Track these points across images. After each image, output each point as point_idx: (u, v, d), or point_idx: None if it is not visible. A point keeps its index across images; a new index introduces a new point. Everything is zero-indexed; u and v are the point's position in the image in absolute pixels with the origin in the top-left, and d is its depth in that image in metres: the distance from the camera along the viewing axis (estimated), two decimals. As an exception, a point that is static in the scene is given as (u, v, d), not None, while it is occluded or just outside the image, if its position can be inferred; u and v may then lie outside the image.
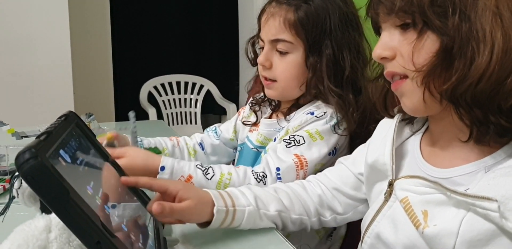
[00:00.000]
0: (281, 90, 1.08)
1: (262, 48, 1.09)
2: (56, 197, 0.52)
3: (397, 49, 0.68)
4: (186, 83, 3.55)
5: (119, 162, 0.83)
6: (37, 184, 0.51)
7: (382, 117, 0.86)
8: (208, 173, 0.98)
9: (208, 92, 3.57)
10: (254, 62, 1.17)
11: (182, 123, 3.54)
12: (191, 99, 3.55)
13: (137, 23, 3.55)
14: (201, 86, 3.55)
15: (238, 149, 1.23)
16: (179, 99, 3.54)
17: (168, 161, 0.97)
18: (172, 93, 3.52)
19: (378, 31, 0.74)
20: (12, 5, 2.44)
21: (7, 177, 1.09)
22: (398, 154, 0.77)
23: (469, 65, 0.61)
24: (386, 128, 0.83)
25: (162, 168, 0.96)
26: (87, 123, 1.01)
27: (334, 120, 1.02)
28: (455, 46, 0.62)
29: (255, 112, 1.19)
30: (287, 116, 1.09)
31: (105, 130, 1.01)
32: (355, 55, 1.04)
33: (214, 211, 0.79)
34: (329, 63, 1.02)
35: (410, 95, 0.69)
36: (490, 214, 0.58)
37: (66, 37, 2.55)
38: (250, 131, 1.19)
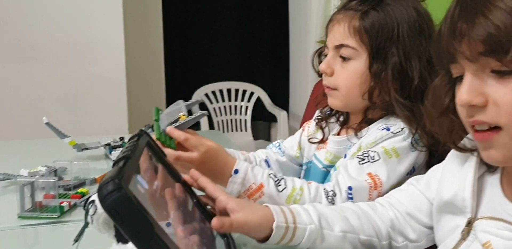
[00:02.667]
0: (342, 99, 1.02)
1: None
2: (140, 232, 0.49)
3: (489, 96, 0.60)
4: (237, 91, 3.53)
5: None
6: (121, 218, 0.48)
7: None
8: (280, 185, 0.94)
9: (259, 100, 3.54)
10: (320, 73, 1.12)
11: (232, 130, 3.52)
12: (241, 106, 3.54)
13: (189, 31, 3.57)
14: (252, 94, 3.53)
15: (304, 167, 1.18)
16: (230, 106, 3.53)
17: (243, 165, 0.94)
18: (223, 100, 3.51)
19: (445, 65, 0.66)
20: (66, 13, 2.48)
21: (71, 192, 1.08)
22: (478, 187, 0.71)
23: None
24: (462, 158, 0.75)
25: (236, 171, 0.93)
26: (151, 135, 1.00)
27: (413, 137, 0.96)
28: None
29: (321, 128, 1.14)
30: (358, 133, 1.03)
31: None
32: (426, 66, 0.97)
33: (273, 226, 0.76)
34: (394, 72, 0.96)
35: (503, 148, 0.61)
36: None
37: (120, 46, 2.58)
38: (317, 148, 1.14)
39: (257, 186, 0.93)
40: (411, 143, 0.96)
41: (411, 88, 0.96)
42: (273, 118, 3.54)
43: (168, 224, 0.62)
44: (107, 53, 2.59)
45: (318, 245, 0.80)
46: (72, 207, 1.02)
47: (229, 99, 3.54)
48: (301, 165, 1.20)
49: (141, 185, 0.59)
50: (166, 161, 0.78)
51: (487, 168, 0.73)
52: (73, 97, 2.52)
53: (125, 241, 0.61)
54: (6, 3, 2.41)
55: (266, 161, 1.18)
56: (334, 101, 1.04)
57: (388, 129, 0.97)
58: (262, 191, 0.93)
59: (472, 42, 0.58)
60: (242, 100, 3.54)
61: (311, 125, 1.20)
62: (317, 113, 1.19)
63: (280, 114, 3.42)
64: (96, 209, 0.63)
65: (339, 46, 1.00)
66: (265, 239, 0.77)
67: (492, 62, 0.58)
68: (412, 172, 0.97)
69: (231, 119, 3.53)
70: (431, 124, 0.74)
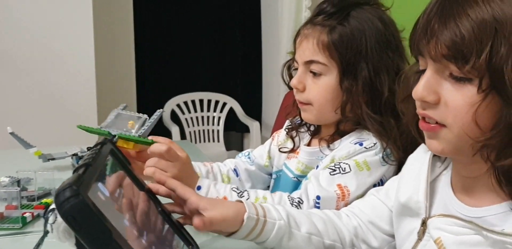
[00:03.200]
0: (316, 113, 1.03)
1: (297, 70, 1.05)
2: (98, 238, 0.48)
3: (442, 96, 0.63)
4: (209, 101, 3.53)
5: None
6: (79, 224, 0.48)
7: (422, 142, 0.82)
8: (243, 196, 0.95)
9: (231, 110, 3.54)
10: (290, 86, 1.13)
11: (204, 141, 3.51)
12: (214, 117, 3.53)
13: (161, 42, 3.56)
14: (224, 104, 3.53)
15: (274, 176, 1.18)
16: (202, 117, 3.52)
17: (205, 181, 0.96)
18: (195, 111, 3.50)
19: (416, 57, 0.69)
20: (35, 23, 2.45)
21: (35, 203, 1.06)
22: (431, 191, 0.75)
23: None
24: (417, 162, 0.80)
25: (199, 188, 0.95)
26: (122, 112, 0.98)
27: (384, 152, 0.98)
28: None
29: (292, 138, 1.15)
30: (331, 145, 1.04)
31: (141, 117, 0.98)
32: (394, 79, 0.99)
33: (245, 217, 0.77)
34: (365, 86, 0.98)
35: (443, 142, 0.65)
36: None
37: (90, 57, 2.55)
38: (288, 157, 1.14)
39: (221, 199, 0.94)
40: (383, 157, 0.98)
41: (381, 101, 0.98)
42: (246, 129, 3.54)
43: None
44: (77, 64, 2.55)
45: (285, 242, 0.81)
46: (36, 217, 1.00)
47: (202, 110, 3.52)
48: (270, 174, 1.20)
49: (102, 193, 0.58)
50: (130, 170, 0.77)
51: (440, 167, 0.77)
52: (40, 107, 2.47)
53: (82, 245, 0.59)
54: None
55: (234, 170, 1.18)
56: (307, 115, 1.05)
57: (361, 144, 0.99)
58: None
59: (439, 44, 0.61)
60: (215, 110, 3.54)
61: (281, 134, 1.20)
62: (287, 123, 1.20)
63: (253, 124, 3.42)
64: (56, 218, 0.62)
65: (309, 62, 1.01)
66: (233, 233, 0.78)
67: (452, 66, 0.61)
68: (380, 184, 0.98)
69: (204, 130, 3.52)
70: (399, 104, 0.78)
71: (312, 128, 1.12)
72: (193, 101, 3.49)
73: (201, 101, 3.51)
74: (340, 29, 0.98)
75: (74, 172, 0.56)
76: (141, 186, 0.78)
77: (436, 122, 0.65)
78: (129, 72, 3.33)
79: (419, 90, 0.64)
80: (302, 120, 1.12)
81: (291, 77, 1.11)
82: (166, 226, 0.76)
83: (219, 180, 1.13)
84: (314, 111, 1.03)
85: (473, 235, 0.63)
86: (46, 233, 0.64)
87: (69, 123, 2.49)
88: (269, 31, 3.48)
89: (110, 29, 3.09)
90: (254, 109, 3.64)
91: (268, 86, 3.61)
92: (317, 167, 1.03)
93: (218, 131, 3.54)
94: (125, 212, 0.64)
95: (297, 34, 1.06)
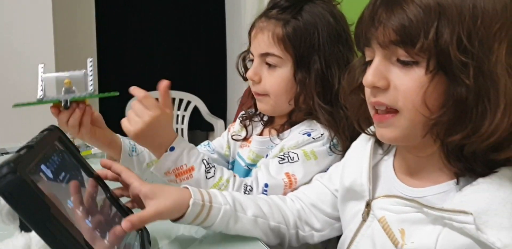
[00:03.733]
0: (272, 104, 1.06)
1: (252, 61, 1.08)
2: (36, 214, 0.50)
3: (391, 81, 0.66)
4: (173, 100, 3.51)
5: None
6: (16, 200, 0.49)
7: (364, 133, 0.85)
8: (209, 172, 0.97)
9: (196, 109, 3.55)
10: (245, 77, 1.16)
11: (169, 140, 3.49)
12: (178, 115, 3.52)
13: (122, 38, 3.55)
14: (188, 103, 3.52)
15: (230, 166, 1.21)
16: (166, 115, 3.50)
17: (181, 143, 0.97)
18: (159, 109, 3.48)
19: (361, 47, 0.73)
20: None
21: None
22: (374, 175, 0.79)
23: (482, 118, 0.61)
24: (359, 149, 0.84)
25: (172, 148, 0.96)
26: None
27: (331, 142, 1.01)
28: (470, 97, 0.61)
29: (245, 127, 1.17)
30: (280, 134, 1.07)
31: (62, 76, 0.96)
32: (344, 71, 1.03)
33: (190, 202, 0.78)
34: (317, 79, 1.02)
35: (395, 129, 0.69)
36: (466, 227, 0.59)
37: (50, 51, 2.53)
38: (240, 146, 1.17)
39: (188, 167, 0.96)
40: (330, 147, 1.01)
41: (332, 93, 1.02)
42: (211, 128, 3.55)
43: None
44: (36, 61, 2.52)
45: (231, 226, 0.83)
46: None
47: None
48: (228, 162, 1.23)
49: (45, 174, 0.59)
50: (79, 156, 0.78)
51: (381, 154, 0.81)
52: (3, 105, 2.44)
53: (28, 230, 0.61)
54: None
55: None
56: (264, 106, 1.08)
57: (309, 134, 1.02)
58: (191, 173, 0.96)
59: (387, 30, 0.64)
60: (179, 109, 3.53)
61: (235, 124, 1.23)
62: (241, 112, 1.23)
63: (217, 123, 3.43)
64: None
65: (264, 55, 1.04)
66: (179, 219, 0.79)
67: (400, 51, 0.64)
68: None
69: (168, 129, 3.51)
70: (344, 100, 0.82)
71: (265, 118, 1.15)
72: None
73: (165, 99, 3.50)
74: (294, 23, 1.01)
75: (16, 152, 0.57)
76: (89, 172, 0.79)
77: (387, 111, 0.68)
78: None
79: (369, 77, 0.67)
80: (256, 111, 1.15)
81: (246, 68, 1.14)
82: (114, 210, 0.78)
83: None
84: (270, 101, 1.06)
85: (415, 213, 0.67)
86: (-10, 216, 0.65)
87: (26, 120, 2.48)
88: (233, 29, 3.51)
89: (70, 29, 3.06)
90: (219, 108, 3.65)
91: (232, 85, 3.64)
92: (267, 155, 1.06)
93: (182, 130, 3.54)
94: (71, 195, 0.65)
95: (252, 26, 1.09)
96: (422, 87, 0.63)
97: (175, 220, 0.80)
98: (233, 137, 1.19)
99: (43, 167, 0.60)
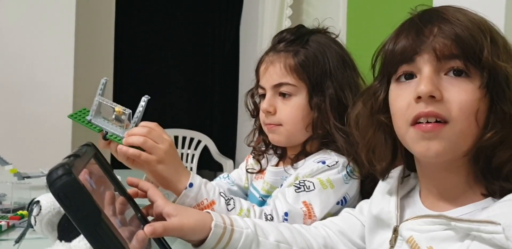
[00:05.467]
0: (286, 134, 1.07)
1: (263, 95, 1.10)
2: (87, 217, 0.50)
3: (444, 92, 0.66)
4: (184, 138, 3.54)
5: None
6: (70, 202, 0.50)
7: (374, 172, 0.84)
8: (229, 204, 0.97)
9: (205, 148, 3.56)
10: (254, 114, 1.17)
11: (177, 178, 3.48)
12: (188, 154, 3.53)
13: (139, 78, 3.62)
14: (199, 142, 3.54)
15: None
16: (176, 154, 3.51)
17: (197, 179, 0.97)
18: (170, 147, 3.49)
19: (395, 65, 0.72)
20: (17, 52, 2.49)
21: (10, 214, 1.06)
22: (402, 206, 0.78)
23: None
24: (385, 184, 0.83)
25: (191, 185, 0.95)
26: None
27: (347, 169, 1.02)
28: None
29: (259, 161, 1.18)
30: (295, 164, 1.08)
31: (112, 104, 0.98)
32: (356, 94, 1.05)
33: (212, 225, 0.78)
34: (332, 102, 1.04)
35: (444, 141, 0.67)
36: (495, 237, 0.58)
37: (69, 85, 2.58)
38: (255, 178, 1.18)
39: (209, 202, 0.95)
40: (345, 175, 1.02)
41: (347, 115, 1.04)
42: (219, 168, 3.54)
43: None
44: (56, 93, 2.58)
45: None
46: (11, 227, 1.00)
47: (176, 147, 3.52)
48: (247, 195, 1.23)
49: (89, 183, 0.61)
50: (113, 174, 0.80)
51: (407, 190, 0.81)
52: (19, 128, 2.48)
53: (68, 240, 0.61)
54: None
55: None
56: (277, 137, 1.09)
57: (323, 162, 1.03)
58: (213, 207, 0.95)
59: (447, 42, 0.66)
60: (189, 148, 3.54)
61: (251, 157, 1.24)
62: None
63: (227, 163, 3.43)
64: (40, 210, 0.64)
65: (278, 85, 1.06)
66: (201, 243, 0.79)
67: (457, 63, 0.66)
68: (344, 202, 1.02)
69: (177, 167, 3.50)
70: (360, 122, 0.81)
71: (279, 151, 1.16)
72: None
73: (175, 138, 3.53)
74: (304, 51, 1.05)
75: (64, 159, 0.58)
76: (122, 191, 0.80)
77: (436, 122, 0.67)
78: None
79: (424, 87, 0.66)
80: (266, 145, 1.16)
81: (255, 105, 1.16)
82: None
83: None
84: (284, 131, 1.07)
85: (443, 231, 0.66)
86: (29, 225, 0.66)
87: (43, 149, 2.51)
88: (247, 70, 3.58)
89: (89, 65, 3.14)
90: (229, 148, 3.66)
91: (243, 125, 3.66)
92: (281, 185, 1.07)
93: (191, 169, 3.53)
94: (107, 207, 0.66)
95: (260, 62, 1.12)
96: (476, 100, 0.65)
97: (197, 245, 0.80)
98: (248, 170, 1.20)
99: (87, 176, 0.61)
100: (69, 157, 0.59)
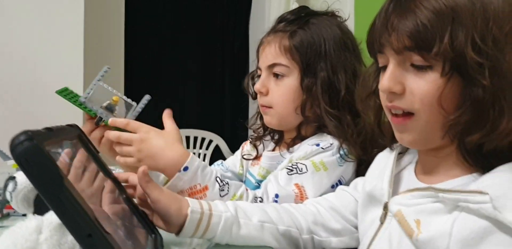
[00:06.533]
0: (277, 117, 1.07)
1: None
2: (49, 183, 0.50)
3: (406, 86, 0.68)
4: (195, 138, 3.55)
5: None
6: (31, 167, 0.49)
7: (383, 142, 0.85)
8: (223, 190, 0.95)
9: (217, 148, 3.56)
10: (253, 97, 1.17)
11: (189, 178, 3.49)
12: (199, 154, 3.54)
13: (149, 79, 3.64)
14: (210, 141, 3.55)
15: None
16: (188, 154, 3.52)
17: (194, 163, 0.94)
18: (181, 147, 3.51)
19: (374, 54, 0.74)
20: (25, 53, 2.51)
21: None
22: (396, 181, 0.78)
23: (499, 117, 0.62)
24: (383, 160, 0.83)
25: (186, 168, 0.92)
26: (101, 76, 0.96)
27: (341, 151, 1.00)
28: (487, 97, 0.62)
29: (255, 147, 1.17)
30: (290, 148, 1.07)
31: (112, 92, 0.96)
32: (351, 78, 1.04)
33: (188, 211, 0.76)
34: (324, 85, 1.03)
35: (413, 132, 0.70)
36: (482, 207, 0.58)
37: (79, 88, 2.60)
38: (252, 164, 1.17)
39: (202, 187, 0.94)
40: (340, 157, 1.00)
41: (339, 99, 1.02)
42: (231, 167, 3.54)
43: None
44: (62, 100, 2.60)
45: (235, 233, 0.80)
46: (5, 216, 1.00)
47: (187, 147, 3.53)
48: (242, 181, 1.22)
49: (63, 157, 0.60)
50: (97, 156, 0.79)
51: (405, 164, 0.80)
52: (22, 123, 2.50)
53: (41, 213, 0.60)
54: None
55: None
56: (270, 119, 1.08)
57: (317, 145, 1.02)
58: (205, 193, 0.94)
59: (400, 37, 0.66)
60: (201, 148, 3.55)
61: (248, 144, 1.23)
62: (251, 133, 1.23)
63: (238, 162, 3.42)
64: (16, 186, 0.63)
65: (272, 66, 1.05)
66: (180, 231, 0.78)
67: (414, 56, 0.66)
68: (338, 185, 1.00)
69: (189, 167, 3.51)
70: (360, 103, 0.82)
71: (276, 137, 1.15)
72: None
73: (187, 138, 3.53)
74: (301, 32, 1.04)
75: None
76: (107, 173, 0.79)
77: (403, 114, 0.69)
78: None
79: (385, 82, 0.69)
80: (265, 129, 1.15)
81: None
82: (130, 212, 0.77)
83: None
84: (276, 114, 1.06)
85: (431, 204, 0.66)
86: (5, 201, 0.65)
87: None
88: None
89: (99, 61, 3.16)
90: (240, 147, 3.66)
91: (254, 124, 3.66)
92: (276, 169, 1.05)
93: (203, 168, 3.53)
94: (83, 182, 0.65)
95: (261, 43, 1.11)
96: (438, 89, 0.65)
97: (178, 233, 0.79)
98: (244, 156, 1.19)
99: (59, 150, 0.61)
100: (40, 129, 0.59)
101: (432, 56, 0.64)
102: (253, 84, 1.16)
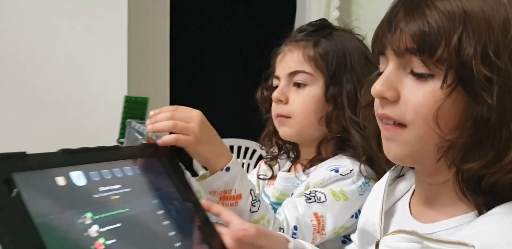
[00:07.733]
0: (297, 127, 1.01)
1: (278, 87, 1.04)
2: None
3: (401, 93, 0.60)
4: (239, 148, 3.53)
5: None
6: None
7: (377, 162, 0.81)
8: (254, 206, 0.89)
9: (261, 157, 3.51)
10: (267, 110, 1.10)
11: (233, 188, 3.46)
12: (243, 163, 3.51)
13: (193, 90, 3.65)
14: (254, 151, 3.51)
15: None
16: (231, 163, 3.50)
17: (236, 166, 0.88)
18: (225, 157, 3.49)
19: (376, 56, 0.68)
20: (69, 60, 2.53)
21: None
22: (389, 214, 0.71)
23: (506, 146, 0.54)
24: (378, 188, 0.75)
25: (228, 169, 0.87)
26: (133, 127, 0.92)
27: (362, 179, 0.94)
28: (492, 119, 0.54)
29: (271, 167, 1.11)
30: (307, 170, 1.00)
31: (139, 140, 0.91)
32: None
33: (290, 246, 0.74)
34: (350, 97, 0.98)
35: (402, 144, 0.61)
36: None
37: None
38: (267, 184, 1.13)
39: (237, 194, 0.88)
40: (361, 185, 0.94)
41: None
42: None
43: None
44: (108, 108, 2.61)
45: None
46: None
47: (231, 156, 3.51)
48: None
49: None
50: (183, 179, 0.77)
51: (402, 192, 0.73)
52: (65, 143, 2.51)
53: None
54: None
55: None
56: (287, 130, 1.02)
57: (336, 170, 0.96)
58: (237, 201, 0.88)
59: (403, 36, 0.59)
60: (244, 157, 3.52)
61: (263, 163, 1.18)
62: (266, 154, 1.17)
63: (282, 172, 3.37)
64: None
65: (293, 73, 1.00)
66: None
67: (415, 61, 0.58)
68: (358, 214, 0.94)
69: (233, 177, 3.49)
70: (360, 113, 0.76)
71: (291, 155, 1.08)
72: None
73: (230, 148, 3.51)
74: (325, 42, 1.00)
75: None
76: (188, 197, 0.76)
77: (394, 124, 0.61)
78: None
79: (377, 86, 0.61)
80: (279, 148, 1.09)
81: (269, 98, 1.08)
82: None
83: None
84: (295, 124, 1.01)
85: None
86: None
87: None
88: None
89: (143, 77, 3.17)
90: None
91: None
92: (292, 194, 0.99)
93: (247, 178, 3.50)
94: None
95: (278, 52, 1.06)
96: (435, 102, 0.57)
97: None
98: (260, 176, 1.13)
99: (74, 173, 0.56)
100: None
101: (434, 62, 0.56)
102: (267, 95, 1.09)
